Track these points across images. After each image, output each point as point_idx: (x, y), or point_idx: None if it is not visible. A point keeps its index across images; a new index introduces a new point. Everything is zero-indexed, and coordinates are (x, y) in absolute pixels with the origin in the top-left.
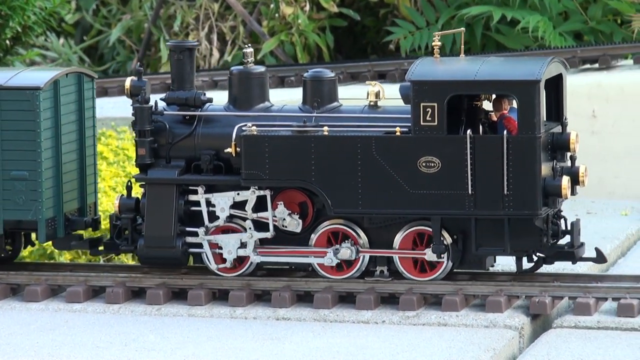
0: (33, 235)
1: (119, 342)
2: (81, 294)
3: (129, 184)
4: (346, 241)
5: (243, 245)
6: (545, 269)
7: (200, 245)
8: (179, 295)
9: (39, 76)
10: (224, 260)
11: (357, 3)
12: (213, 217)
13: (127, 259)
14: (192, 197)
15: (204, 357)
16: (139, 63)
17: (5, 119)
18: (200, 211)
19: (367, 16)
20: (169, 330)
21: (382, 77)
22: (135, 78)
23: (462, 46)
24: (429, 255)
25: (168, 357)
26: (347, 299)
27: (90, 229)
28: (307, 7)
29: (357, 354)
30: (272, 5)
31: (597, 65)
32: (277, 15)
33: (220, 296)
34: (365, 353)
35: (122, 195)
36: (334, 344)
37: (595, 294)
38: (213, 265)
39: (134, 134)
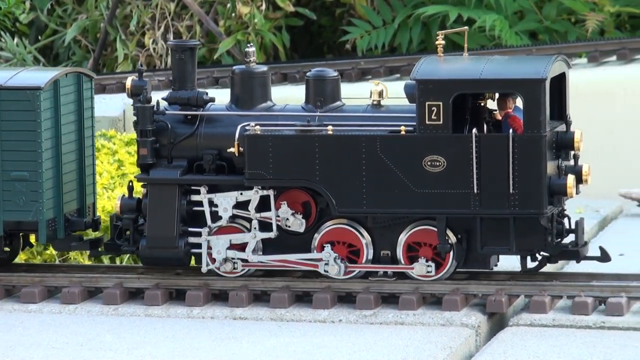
0: (32, 237)
1: (75, 342)
2: (36, 294)
3: (130, 184)
4: (337, 257)
5: (233, 246)
6: (500, 267)
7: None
8: (135, 295)
9: (39, 76)
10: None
11: (313, 2)
12: (216, 217)
13: (83, 259)
14: (195, 197)
15: (161, 357)
16: (139, 63)
17: (5, 119)
18: (202, 211)
19: (323, 15)
20: (125, 330)
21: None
22: (136, 77)
23: (466, 45)
24: (418, 269)
25: (124, 357)
26: (303, 298)
27: (90, 229)
28: (264, 7)
29: (314, 353)
30: (228, 5)
31: None
32: (233, 14)
33: (178, 296)
34: (322, 352)
35: (124, 195)
36: (291, 343)
37: (550, 292)
38: (208, 266)
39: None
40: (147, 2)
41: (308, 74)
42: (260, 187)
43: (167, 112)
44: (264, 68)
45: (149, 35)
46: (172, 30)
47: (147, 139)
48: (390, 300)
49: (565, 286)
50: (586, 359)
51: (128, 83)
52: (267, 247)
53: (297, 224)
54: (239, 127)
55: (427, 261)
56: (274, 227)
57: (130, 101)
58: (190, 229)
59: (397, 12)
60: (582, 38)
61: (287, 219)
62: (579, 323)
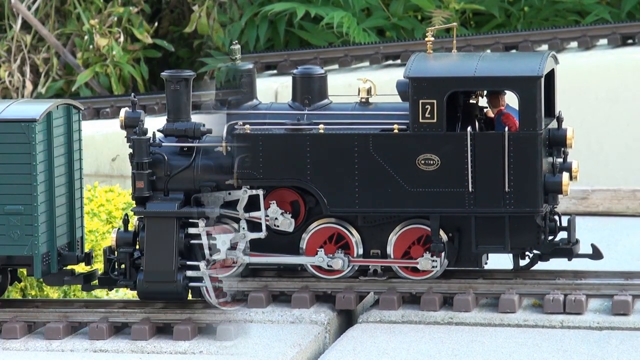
0: (21, 271)
1: None
2: None
3: (126, 217)
4: (339, 251)
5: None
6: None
7: (199, 279)
8: None
9: (32, 108)
10: (225, 295)
11: (171, 34)
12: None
13: None
14: (192, 231)
15: None
16: (132, 94)
17: None
18: (197, 244)
19: (181, 47)
20: None
21: (196, 107)
22: (129, 109)
23: (454, 41)
24: (422, 264)
25: None
26: (164, 330)
27: (82, 263)
28: (122, 39)
29: None
30: (86, 37)
31: (399, 61)
32: (91, 46)
33: (37, 329)
34: None
35: (119, 228)
36: None
37: (399, 289)
38: (213, 300)
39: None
40: (3, 35)
41: (295, 71)
42: (248, 186)
43: (163, 144)
44: (250, 65)
45: (4, 68)
46: (28, 62)
47: (144, 171)
48: (238, 297)
49: (414, 283)
50: (435, 354)
51: (122, 115)
52: (253, 247)
53: (287, 223)
54: (226, 126)
55: (431, 256)
56: (264, 227)
57: None
58: (188, 263)
59: (243, 11)
60: None
61: (276, 218)
62: (427, 319)
